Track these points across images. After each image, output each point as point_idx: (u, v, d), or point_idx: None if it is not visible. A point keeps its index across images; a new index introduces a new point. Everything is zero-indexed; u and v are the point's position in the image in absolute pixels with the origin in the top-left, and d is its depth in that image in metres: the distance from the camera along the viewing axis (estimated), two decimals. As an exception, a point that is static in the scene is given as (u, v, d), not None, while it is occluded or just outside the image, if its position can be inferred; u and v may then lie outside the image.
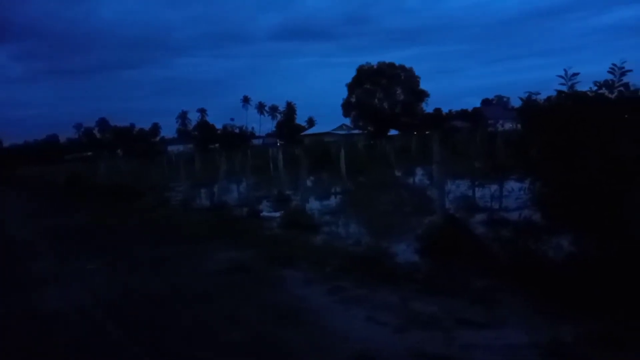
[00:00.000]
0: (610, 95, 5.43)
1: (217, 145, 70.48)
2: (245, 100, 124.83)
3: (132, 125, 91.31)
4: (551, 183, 5.56)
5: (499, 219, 8.55)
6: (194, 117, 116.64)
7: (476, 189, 13.27)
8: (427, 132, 43.04)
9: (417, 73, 65.71)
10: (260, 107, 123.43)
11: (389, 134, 60.13)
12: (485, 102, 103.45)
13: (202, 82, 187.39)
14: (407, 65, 65.70)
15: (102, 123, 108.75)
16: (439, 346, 4.07)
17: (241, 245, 8.49)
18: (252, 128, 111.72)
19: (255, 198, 15.16)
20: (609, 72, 5.36)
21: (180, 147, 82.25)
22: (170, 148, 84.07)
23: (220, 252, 8.23)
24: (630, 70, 5.29)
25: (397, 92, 65.55)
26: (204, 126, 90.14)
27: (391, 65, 65.41)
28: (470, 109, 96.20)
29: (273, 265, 7.07)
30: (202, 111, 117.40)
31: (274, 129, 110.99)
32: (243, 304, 5.55)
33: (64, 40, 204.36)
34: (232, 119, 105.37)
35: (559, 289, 4.74)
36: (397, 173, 21.48)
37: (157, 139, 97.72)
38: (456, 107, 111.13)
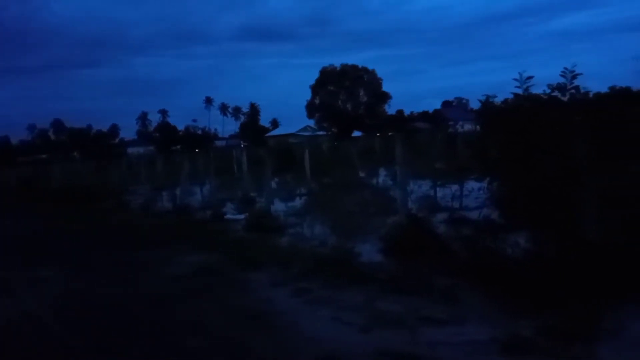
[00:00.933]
0: (563, 98, 5.68)
1: (179, 147, 69.21)
2: (208, 101, 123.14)
3: (90, 127, 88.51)
4: (509, 183, 5.76)
5: (460, 218, 8.76)
6: (154, 119, 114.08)
7: (438, 189, 13.57)
8: (390, 134, 43.67)
9: (379, 75, 66.73)
10: (224, 108, 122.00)
11: (352, 135, 60.65)
12: (446, 103, 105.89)
13: (163, 83, 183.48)
14: (370, 67, 66.61)
15: (57, 124, 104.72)
16: (404, 344, 4.14)
17: (205, 249, 8.37)
18: (215, 129, 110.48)
19: (219, 200, 14.97)
20: (561, 75, 5.61)
21: (141, 149, 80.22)
22: (130, 150, 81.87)
23: (183, 255, 8.09)
24: (580, 74, 5.55)
25: (360, 93, 66.32)
26: (165, 127, 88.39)
27: (354, 67, 66.12)
28: (431, 110, 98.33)
29: (238, 268, 7.01)
30: (163, 112, 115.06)
31: (237, 130, 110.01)
32: (208, 308, 5.48)
33: (15, 37, 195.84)
34: (194, 120, 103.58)
35: (518, 285, 4.91)
36: (361, 174, 21.68)
37: (116, 140, 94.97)
38: (417, 108, 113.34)
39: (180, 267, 7.30)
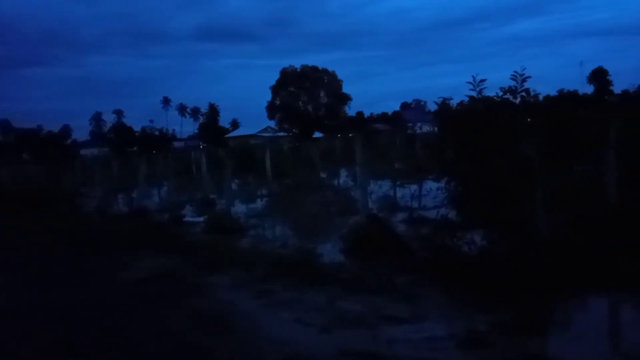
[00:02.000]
0: (514, 101, 5.90)
1: (135, 148, 67.34)
2: (166, 101, 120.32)
3: (40, 127, 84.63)
4: (464, 183, 5.93)
5: (419, 217, 8.95)
6: (109, 119, 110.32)
7: (397, 189, 13.82)
8: (350, 135, 44.05)
9: (339, 77, 67.18)
10: (182, 109, 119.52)
11: (313, 136, 60.81)
12: (405, 105, 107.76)
13: (119, 82, 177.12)
14: (330, 69, 66.98)
15: (4, 125, 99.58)
16: (365, 343, 4.19)
17: (163, 252, 8.18)
18: (173, 130, 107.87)
19: (178, 203, 14.68)
20: (511, 78, 5.83)
21: (95, 151, 77.50)
22: (83, 152, 78.92)
23: (140, 260, 7.87)
24: (529, 77, 5.81)
25: (321, 95, 66.62)
26: (121, 128, 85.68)
27: (314, 68, 66.36)
28: (390, 112, 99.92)
29: (198, 272, 6.89)
30: (119, 113, 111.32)
31: (196, 131, 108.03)
32: (166, 312, 5.36)
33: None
34: (151, 121, 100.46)
35: (475, 282, 5.06)
36: (323, 175, 21.78)
37: (69, 142, 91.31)
38: (377, 110, 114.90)
39: (138, 272, 7.10)
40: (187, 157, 28.36)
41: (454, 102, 6.58)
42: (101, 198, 16.26)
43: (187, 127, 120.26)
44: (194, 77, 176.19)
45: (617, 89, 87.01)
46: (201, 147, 68.75)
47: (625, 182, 6.93)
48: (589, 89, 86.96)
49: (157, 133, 73.26)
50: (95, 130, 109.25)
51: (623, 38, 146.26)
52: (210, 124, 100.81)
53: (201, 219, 11.39)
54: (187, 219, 12.00)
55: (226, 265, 7.00)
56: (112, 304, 5.77)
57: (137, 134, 76.47)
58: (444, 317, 4.70)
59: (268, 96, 66.92)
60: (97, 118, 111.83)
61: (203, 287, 6.26)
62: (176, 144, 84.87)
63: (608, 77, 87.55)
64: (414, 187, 13.48)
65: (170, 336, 4.68)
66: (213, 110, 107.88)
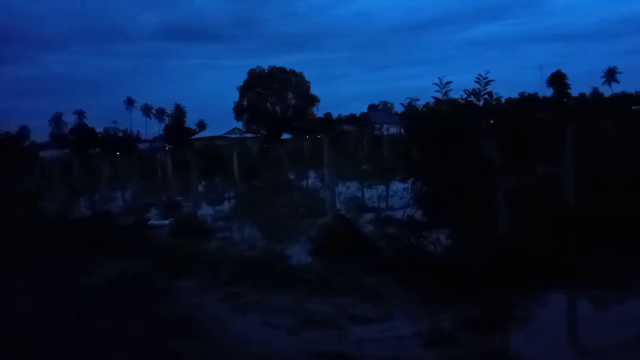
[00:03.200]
0: (478, 103, 6.05)
1: (98, 150, 65.46)
2: (130, 102, 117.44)
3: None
4: (430, 183, 6.04)
5: (386, 217, 9.06)
6: (70, 120, 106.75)
7: (365, 190, 13.94)
8: (318, 136, 44.14)
9: (307, 78, 67.24)
10: (147, 110, 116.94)
11: (282, 137, 60.66)
12: (372, 107, 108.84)
13: (80, 82, 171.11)
14: (298, 70, 66.95)
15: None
16: (333, 344, 4.21)
17: (128, 257, 7.98)
18: (138, 132, 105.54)
19: (143, 206, 14.36)
20: (475, 81, 5.99)
21: (55, 153, 74.87)
22: (43, 154, 76.13)
23: (103, 265, 7.66)
24: (492, 80, 5.98)
25: (289, 96, 66.51)
26: (82, 129, 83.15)
27: (282, 69, 66.24)
28: (358, 114, 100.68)
29: (164, 276, 6.75)
30: (80, 113, 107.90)
31: (162, 132, 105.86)
32: (131, 318, 5.23)
33: None
34: (114, 122, 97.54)
35: (439, 280, 5.16)
36: (291, 176, 21.74)
37: (27, 143, 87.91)
38: (345, 112, 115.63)
39: (100, 277, 6.90)
40: (153, 159, 27.81)
41: (420, 104, 6.71)
42: (62, 201, 15.72)
43: (152, 129, 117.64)
44: (159, 77, 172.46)
45: (574, 92, 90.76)
46: (167, 148, 67.51)
47: (581, 182, 7.22)
48: (548, 92, 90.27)
49: (120, 134, 71.48)
50: (55, 132, 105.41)
51: (579, 43, 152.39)
52: (176, 125, 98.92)
53: (167, 222, 11.19)
54: (152, 222, 11.76)
55: (193, 269, 6.90)
56: (73, 311, 5.59)
57: (99, 135, 74.37)
58: (411, 315, 4.78)
59: (235, 97, 66.48)
60: (57, 119, 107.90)
61: (169, 292, 6.14)
62: (141, 146, 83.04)
63: (566, 81, 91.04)
64: (381, 187, 13.65)
65: (134, 342, 4.58)
66: (179, 111, 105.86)
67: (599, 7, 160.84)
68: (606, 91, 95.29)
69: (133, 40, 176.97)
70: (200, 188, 16.38)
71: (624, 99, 74.12)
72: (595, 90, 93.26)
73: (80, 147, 69.01)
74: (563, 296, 5.13)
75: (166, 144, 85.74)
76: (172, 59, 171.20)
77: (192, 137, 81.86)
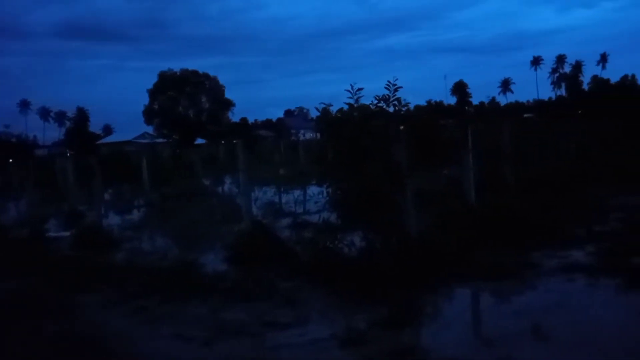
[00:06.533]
0: (388, 109, 6.29)
1: (-14, 156, 59.13)
2: (24, 104, 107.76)
3: None
4: (343, 187, 6.16)
5: (302, 222, 9.10)
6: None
7: (282, 194, 13.94)
8: (234, 141, 43.48)
9: (221, 82, 65.83)
10: (44, 113, 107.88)
11: (195, 142, 58.88)
12: (288, 112, 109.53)
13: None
14: (212, 74, 65.35)
15: None
16: (248, 352, 4.12)
17: (21, 272, 7.26)
18: (34, 136, 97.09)
19: (40, 217, 13.17)
20: (385, 88, 6.22)
21: None
22: None
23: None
24: (401, 87, 6.25)
25: (203, 100, 64.66)
26: (-32, 134, 74.67)
27: (195, 72, 64.22)
28: (274, 119, 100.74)
29: (64, 292, 6.22)
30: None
31: (62, 137, 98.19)
32: (25, 338, 4.75)
33: None
34: (6, 126, 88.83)
35: (354, 281, 5.27)
36: (206, 182, 21.16)
37: None
38: (261, 117, 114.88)
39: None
40: (52, 166, 25.68)
41: (334, 109, 6.83)
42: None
43: (51, 133, 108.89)
44: (59, 79, 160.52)
45: (475, 100, 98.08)
46: (68, 154, 62.69)
47: (481, 183, 7.79)
48: (452, 100, 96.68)
49: (14, 140, 65.25)
50: None
51: (477, 56, 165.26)
52: (78, 129, 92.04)
53: (68, 233, 10.36)
54: (51, 234, 10.82)
55: (97, 283, 6.42)
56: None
57: (-13, 140, 67.25)
58: (326, 318, 4.81)
59: (145, 100, 63.15)
60: None
61: (69, 308, 5.66)
62: (39, 152, 76.51)
63: (467, 90, 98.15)
64: (298, 192, 13.71)
65: (28, 367, 4.15)
66: (82, 115, 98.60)
67: (493, 23, 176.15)
68: (502, 100, 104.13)
69: (26, 38, 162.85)
70: (107, 196, 15.40)
71: (517, 108, 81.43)
72: (493, 99, 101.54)
73: (-34, 153, 62.00)
74: (467, 290, 5.45)
75: (68, 150, 79.64)
76: (74, 59, 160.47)
77: (98, 143, 77.06)
